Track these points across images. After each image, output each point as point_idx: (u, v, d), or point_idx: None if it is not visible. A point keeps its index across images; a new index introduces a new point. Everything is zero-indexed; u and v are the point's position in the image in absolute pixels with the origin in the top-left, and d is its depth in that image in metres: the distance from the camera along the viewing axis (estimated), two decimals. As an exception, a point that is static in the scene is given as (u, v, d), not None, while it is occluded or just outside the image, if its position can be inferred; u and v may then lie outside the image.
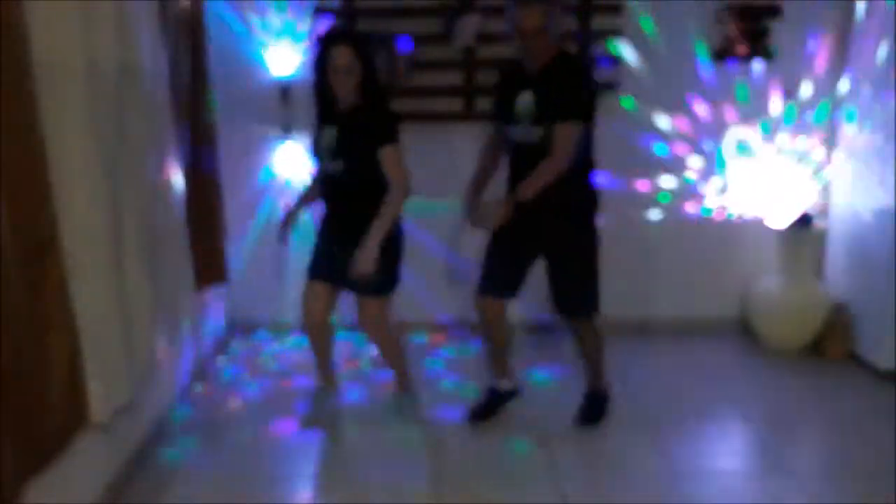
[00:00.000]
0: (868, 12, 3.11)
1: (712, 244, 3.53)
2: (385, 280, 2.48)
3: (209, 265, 2.99)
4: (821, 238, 3.42)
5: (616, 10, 3.23)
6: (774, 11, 3.24)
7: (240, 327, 3.61)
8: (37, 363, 1.70)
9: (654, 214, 3.48)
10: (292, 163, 3.41)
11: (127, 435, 2.33)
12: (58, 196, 1.76)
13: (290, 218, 2.65)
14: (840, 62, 3.29)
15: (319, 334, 2.66)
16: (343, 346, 3.44)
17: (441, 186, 3.41)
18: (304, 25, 3.25)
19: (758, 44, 3.27)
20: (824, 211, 3.44)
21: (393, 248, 2.47)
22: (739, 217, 3.49)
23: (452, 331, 3.55)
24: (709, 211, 3.48)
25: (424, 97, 3.31)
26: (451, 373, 3.16)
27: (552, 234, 2.46)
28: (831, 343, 3.26)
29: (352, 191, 2.44)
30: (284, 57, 3.26)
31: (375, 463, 2.45)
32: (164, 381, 2.69)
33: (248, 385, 3.04)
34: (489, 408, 2.70)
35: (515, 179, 2.43)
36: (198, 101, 2.82)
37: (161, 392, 2.65)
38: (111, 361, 1.99)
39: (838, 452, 2.49)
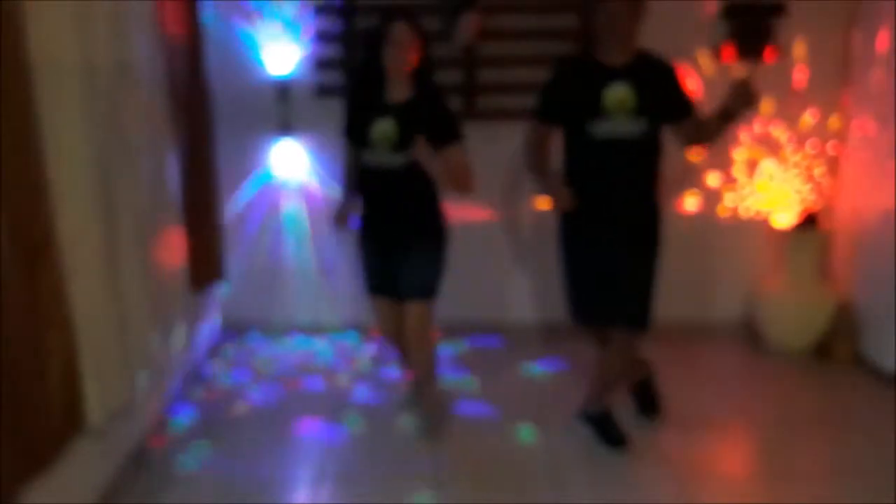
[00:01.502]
0: (872, 11, 3.11)
1: (717, 245, 3.53)
2: (436, 282, 2.43)
3: (205, 265, 3.00)
4: (826, 239, 3.41)
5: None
6: (778, 9, 3.23)
7: (235, 329, 3.61)
8: (32, 365, 1.70)
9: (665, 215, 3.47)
10: (290, 162, 3.41)
11: (123, 438, 2.33)
12: (54, 196, 1.76)
13: (343, 210, 2.52)
14: (846, 60, 3.28)
15: (395, 340, 2.62)
16: (342, 345, 3.46)
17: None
18: (303, 23, 3.25)
19: (760, 42, 3.26)
20: (829, 211, 3.43)
21: (445, 250, 2.44)
22: (744, 218, 3.48)
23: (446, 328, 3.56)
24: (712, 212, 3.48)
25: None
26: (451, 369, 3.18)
27: (642, 232, 2.40)
28: (837, 345, 3.25)
29: (409, 186, 2.35)
30: (282, 55, 3.26)
31: (379, 462, 2.45)
32: (161, 382, 2.69)
33: (244, 387, 3.04)
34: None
35: (606, 180, 2.32)
36: (195, 100, 2.82)
37: (157, 394, 2.65)
38: (107, 363, 1.99)
39: (844, 455, 2.49)
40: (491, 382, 3.04)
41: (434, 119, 2.31)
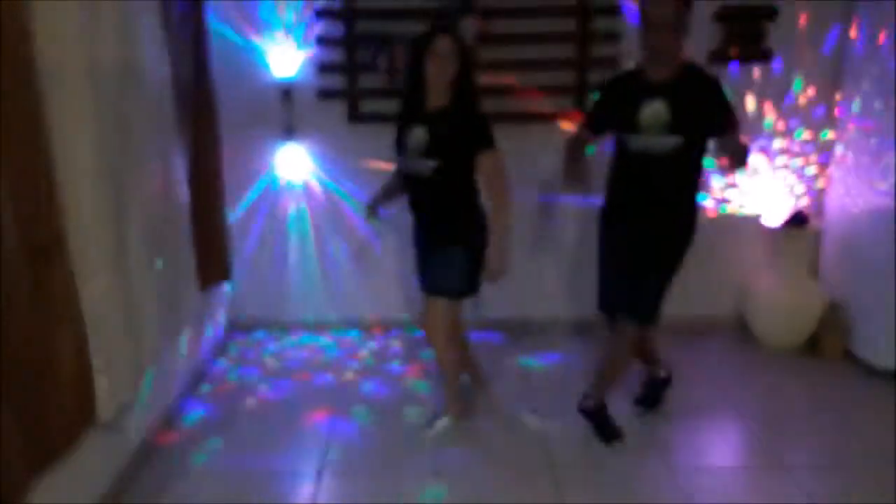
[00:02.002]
0: (866, 11, 3.14)
1: (709, 243, 3.56)
2: (458, 283, 2.43)
3: (212, 264, 3.02)
4: (816, 237, 3.45)
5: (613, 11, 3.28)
6: (770, 13, 3.27)
7: (240, 327, 3.65)
8: (44, 361, 1.72)
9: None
10: (294, 164, 3.45)
11: (133, 431, 2.36)
12: (63, 195, 1.77)
13: (375, 202, 2.68)
14: (837, 62, 3.32)
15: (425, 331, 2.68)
16: (345, 342, 3.49)
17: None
18: (305, 27, 3.28)
19: (753, 45, 3.30)
20: (819, 210, 3.47)
21: (474, 252, 2.41)
22: (736, 216, 3.52)
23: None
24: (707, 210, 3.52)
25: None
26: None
27: (668, 235, 2.45)
28: (827, 341, 3.29)
29: (439, 191, 2.40)
30: (286, 58, 3.29)
31: (380, 458, 2.48)
32: (169, 378, 2.72)
33: (251, 382, 3.07)
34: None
35: (636, 188, 2.41)
36: (201, 102, 2.84)
37: (166, 389, 2.68)
38: (117, 358, 2.01)
39: (833, 448, 2.52)
40: (492, 377, 3.08)
41: (465, 127, 2.34)
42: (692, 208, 2.46)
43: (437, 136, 2.33)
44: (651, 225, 2.42)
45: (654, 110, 2.28)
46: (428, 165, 2.35)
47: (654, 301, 2.45)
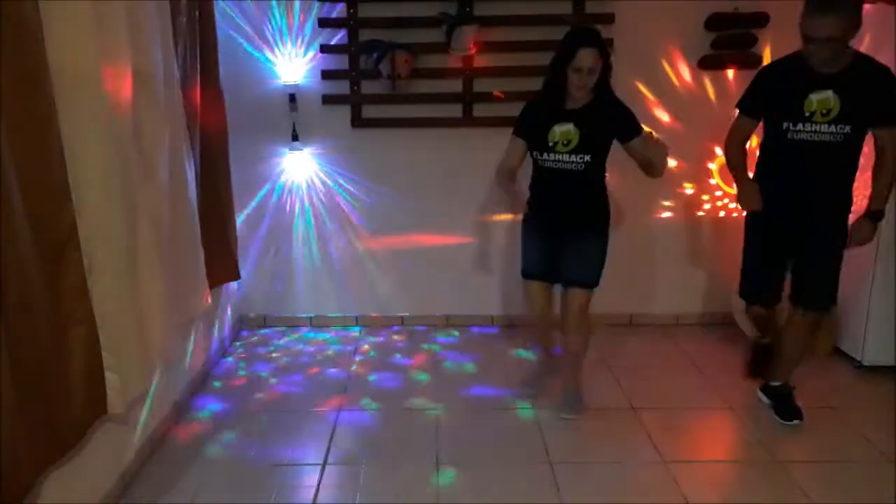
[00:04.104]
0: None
1: (700, 242, 3.55)
2: (600, 271, 2.54)
3: (221, 263, 3.02)
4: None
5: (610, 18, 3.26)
6: (761, 19, 3.25)
7: (247, 324, 3.65)
8: (56, 356, 1.71)
9: (651, 218, 3.52)
10: (299, 167, 3.44)
11: (143, 426, 2.36)
12: (76, 196, 1.77)
13: (518, 201, 2.59)
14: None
15: (547, 319, 2.76)
16: (348, 337, 3.48)
17: (441, 187, 3.44)
18: (311, 33, 3.28)
19: (744, 52, 3.28)
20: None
21: (606, 242, 2.54)
22: (724, 218, 3.51)
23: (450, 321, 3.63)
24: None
25: (425, 103, 3.34)
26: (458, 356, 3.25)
27: (827, 229, 2.44)
28: (816, 338, 3.26)
29: (585, 182, 2.47)
30: (292, 65, 3.29)
31: (384, 449, 2.48)
32: (179, 373, 2.72)
33: (259, 376, 3.07)
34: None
35: (800, 177, 2.38)
36: (210, 106, 2.84)
37: (176, 384, 2.68)
38: (127, 354, 2.01)
39: (826, 442, 2.51)
40: (489, 366, 3.11)
41: (616, 119, 2.42)
42: (849, 193, 2.43)
43: (589, 131, 2.39)
44: (819, 217, 2.43)
45: (825, 100, 2.25)
46: (581, 160, 2.41)
47: (834, 289, 2.47)
